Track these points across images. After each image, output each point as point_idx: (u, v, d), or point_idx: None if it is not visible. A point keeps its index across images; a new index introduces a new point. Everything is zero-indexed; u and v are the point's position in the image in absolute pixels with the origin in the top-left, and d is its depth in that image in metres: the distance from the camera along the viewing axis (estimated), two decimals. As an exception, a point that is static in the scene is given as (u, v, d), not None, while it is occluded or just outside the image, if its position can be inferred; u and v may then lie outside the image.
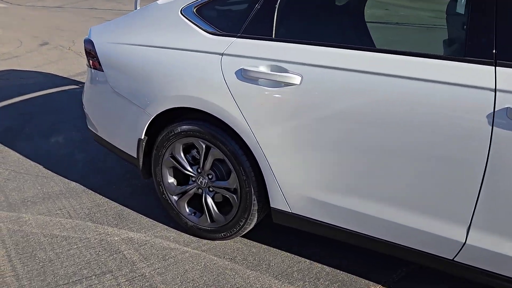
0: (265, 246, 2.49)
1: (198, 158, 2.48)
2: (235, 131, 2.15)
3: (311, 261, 2.37)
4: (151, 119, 2.43)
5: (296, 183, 2.07)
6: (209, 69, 2.17)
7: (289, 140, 2.01)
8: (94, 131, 2.94)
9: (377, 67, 1.78)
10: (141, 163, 2.61)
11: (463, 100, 1.61)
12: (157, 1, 2.55)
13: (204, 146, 2.34)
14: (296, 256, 2.41)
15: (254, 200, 2.26)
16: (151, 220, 2.76)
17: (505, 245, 1.67)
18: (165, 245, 2.50)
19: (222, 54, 2.14)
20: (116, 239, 2.55)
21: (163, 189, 2.58)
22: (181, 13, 2.35)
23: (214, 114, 2.18)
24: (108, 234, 2.59)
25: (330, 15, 2.30)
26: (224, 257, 2.40)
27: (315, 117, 1.92)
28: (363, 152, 1.86)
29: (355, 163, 1.90)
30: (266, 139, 2.07)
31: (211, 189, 2.44)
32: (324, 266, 2.33)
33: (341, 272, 2.28)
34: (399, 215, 1.86)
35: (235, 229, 2.38)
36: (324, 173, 1.98)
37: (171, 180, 2.57)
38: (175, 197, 2.57)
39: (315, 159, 1.98)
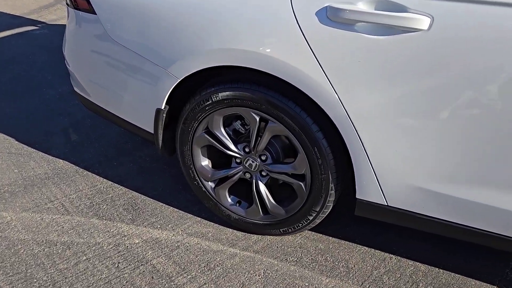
0: (333, 239, 1.95)
1: (244, 132, 1.83)
2: (311, 99, 1.51)
3: (399, 258, 1.86)
4: (176, 83, 1.73)
5: (402, 170, 1.49)
6: (274, 10, 1.46)
7: (400, 112, 1.39)
8: (83, 95, 2.19)
9: None
10: (161, 141, 1.94)
11: None
12: None
13: (258, 120, 1.68)
14: (377, 251, 1.89)
15: (331, 190, 1.67)
16: (175, 210, 2.14)
17: None
18: (205, 247, 1.91)
19: (292, -15, 1.43)
20: (137, 241, 1.94)
21: (195, 173, 1.94)
22: None
23: (280, 76, 1.51)
24: (125, 236, 1.97)
25: None
26: (286, 259, 1.85)
27: (446, 79, 1.30)
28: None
29: (498, 143, 1.32)
30: (362, 109, 1.44)
31: (264, 173, 1.83)
32: (417, 263, 1.83)
33: (441, 271, 1.79)
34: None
35: (300, 224, 1.82)
36: (450, 157, 1.40)
37: (205, 162, 1.92)
38: (212, 184, 1.95)
39: (439, 138, 1.38)
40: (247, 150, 1.80)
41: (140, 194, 2.25)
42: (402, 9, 1.29)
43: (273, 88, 1.60)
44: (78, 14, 1.95)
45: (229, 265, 1.82)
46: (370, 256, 1.86)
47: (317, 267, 1.81)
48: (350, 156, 1.55)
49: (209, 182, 1.95)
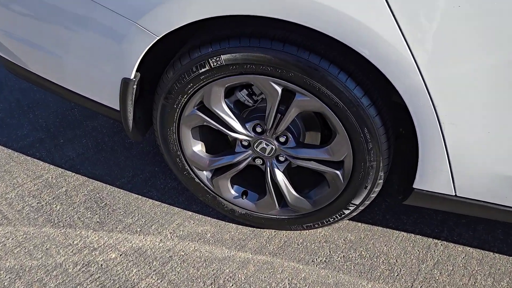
0: (362, 225, 1.58)
1: (252, 105, 1.33)
2: (362, 63, 1.03)
3: (444, 243, 1.53)
4: (153, 42, 1.15)
5: (486, 156, 1.09)
6: None
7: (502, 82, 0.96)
8: (11, 61, 1.53)
9: None
10: (131, 121, 1.39)
11: None
12: None
13: (280, 92, 1.18)
14: (417, 237, 1.55)
15: (379, 179, 1.26)
16: (156, 203, 1.63)
17: None
18: (206, 254, 1.47)
19: None
20: (114, 256, 1.45)
21: (184, 162, 1.44)
22: None
23: (326, 30, 1.00)
24: (95, 249, 1.46)
25: None
26: (312, 260, 1.46)
27: None
28: None
29: None
30: (449, 79, 0.99)
31: (281, 158, 1.37)
32: (467, 249, 1.52)
33: (496, 256, 1.50)
34: None
35: (330, 219, 1.41)
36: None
37: (198, 147, 1.41)
38: (207, 174, 1.46)
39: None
40: (258, 130, 1.31)
41: (104, 184, 1.72)
42: None
43: (308, 48, 1.09)
44: None
45: (243, 278, 1.41)
46: (411, 245, 1.53)
47: (352, 267, 1.45)
48: (417, 138, 1.12)
49: (205, 172, 1.46)
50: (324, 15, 0.98)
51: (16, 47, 1.48)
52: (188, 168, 1.45)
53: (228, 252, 1.49)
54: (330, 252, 1.50)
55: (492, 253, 1.51)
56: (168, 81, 1.25)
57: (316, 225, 1.45)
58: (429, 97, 1.02)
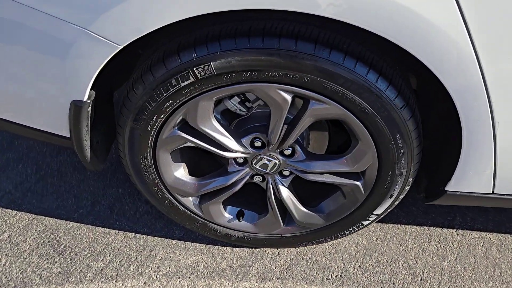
0: (384, 227, 1.40)
1: (245, 114, 1.05)
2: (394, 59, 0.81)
3: (460, 232, 1.40)
4: (114, 53, 0.83)
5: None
6: None
7: None
8: None
9: None
10: (88, 149, 1.07)
11: None
12: None
13: (290, 100, 0.92)
14: (431, 229, 1.41)
15: (407, 185, 1.07)
16: (129, 235, 1.35)
17: None
18: (204, 293, 1.23)
19: None
20: (90, 315, 1.17)
21: (164, 191, 1.15)
22: None
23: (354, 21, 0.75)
24: (64, 310, 1.18)
25: None
26: (327, 278, 1.27)
27: None
28: None
29: None
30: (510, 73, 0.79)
31: (286, 172, 1.13)
32: (484, 234, 1.40)
33: (513, 236, 1.41)
34: None
35: (345, 232, 1.22)
36: None
37: (181, 171, 1.13)
38: (193, 199, 1.19)
39: None
40: (257, 144, 1.05)
41: (59, 220, 1.39)
42: None
43: (328, 44, 0.83)
44: None
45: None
46: (427, 240, 1.38)
47: (372, 278, 1.28)
48: (463, 139, 0.92)
49: (191, 198, 1.19)
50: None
51: None
52: (170, 197, 1.17)
53: (228, 284, 1.25)
54: (344, 264, 1.32)
55: (509, 235, 1.41)
56: (137, 99, 0.94)
57: (329, 239, 1.26)
58: (486, 95, 0.82)
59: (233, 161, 1.11)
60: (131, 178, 1.15)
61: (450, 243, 1.38)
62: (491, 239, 1.40)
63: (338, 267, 1.31)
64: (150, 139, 1.01)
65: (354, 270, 1.30)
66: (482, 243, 1.39)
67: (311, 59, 0.83)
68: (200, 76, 0.87)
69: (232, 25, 0.84)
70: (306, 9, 0.76)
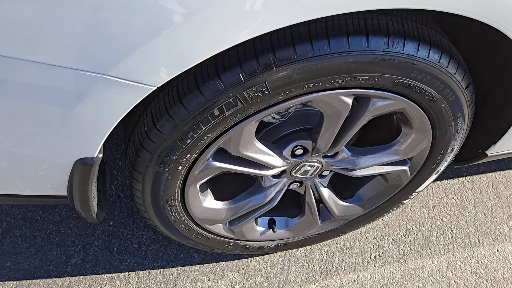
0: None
1: (279, 121, 0.89)
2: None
3: None
4: (144, 97, 0.61)
5: None
6: None
7: None
8: None
9: None
10: (95, 204, 0.84)
11: None
12: None
13: (350, 104, 0.77)
14: (470, 184, 1.40)
15: (452, 158, 1.00)
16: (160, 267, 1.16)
17: None
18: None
19: None
20: None
21: (191, 225, 0.96)
22: None
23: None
24: None
25: None
26: (367, 261, 1.22)
27: None
28: None
29: None
30: None
31: (325, 172, 1.00)
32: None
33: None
34: None
35: (383, 215, 1.15)
36: None
37: (209, 200, 0.95)
38: (223, 224, 1.02)
39: None
40: (298, 153, 0.90)
41: (50, 280, 1.14)
42: None
43: (399, 35, 0.68)
44: None
45: (311, 324, 1.11)
46: (444, 195, 1.37)
47: (409, 248, 1.25)
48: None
49: (221, 224, 1.02)
50: None
51: None
52: (198, 229, 0.99)
53: (275, 296, 1.15)
54: (378, 241, 1.27)
55: (510, 170, 1.46)
56: (164, 140, 0.73)
57: (366, 223, 1.19)
58: None
59: (265, 178, 0.96)
60: (150, 222, 0.95)
61: (465, 192, 1.39)
62: (498, 179, 1.43)
63: (373, 246, 1.26)
64: (180, 178, 0.82)
65: (389, 245, 1.26)
66: (491, 184, 1.42)
67: (385, 57, 0.69)
68: (251, 100, 0.69)
69: (286, 31, 0.65)
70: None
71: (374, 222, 1.25)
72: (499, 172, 1.45)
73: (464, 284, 1.21)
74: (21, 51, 0.55)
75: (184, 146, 0.74)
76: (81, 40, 0.54)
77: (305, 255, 1.23)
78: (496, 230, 1.31)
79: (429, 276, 1.21)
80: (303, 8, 0.58)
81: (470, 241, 1.28)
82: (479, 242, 1.28)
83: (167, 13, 0.54)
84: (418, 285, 1.20)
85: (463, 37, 0.87)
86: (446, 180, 1.41)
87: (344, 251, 1.24)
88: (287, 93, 0.70)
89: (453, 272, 1.23)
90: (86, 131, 0.65)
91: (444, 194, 1.38)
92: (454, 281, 1.21)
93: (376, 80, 0.72)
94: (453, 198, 1.37)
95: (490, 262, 1.25)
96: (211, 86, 0.67)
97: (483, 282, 1.21)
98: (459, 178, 1.42)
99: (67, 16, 0.53)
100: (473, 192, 1.39)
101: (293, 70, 0.66)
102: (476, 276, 1.22)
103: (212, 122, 0.71)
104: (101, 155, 0.71)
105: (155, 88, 0.60)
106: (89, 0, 0.53)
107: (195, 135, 0.73)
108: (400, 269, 1.22)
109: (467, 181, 1.42)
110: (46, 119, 0.63)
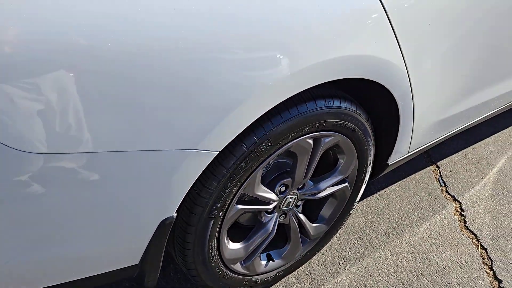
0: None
1: (268, 168, 1.31)
2: (380, 85, 1.24)
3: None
4: (211, 158, 0.99)
5: (432, 113, 1.52)
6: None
7: (447, 60, 1.38)
8: None
9: None
10: (160, 265, 1.11)
11: None
12: None
13: (312, 143, 1.23)
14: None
15: (368, 173, 1.52)
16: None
17: None
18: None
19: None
20: None
21: (223, 268, 1.27)
22: None
23: (365, 75, 1.14)
24: None
25: None
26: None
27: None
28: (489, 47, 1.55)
29: (481, 60, 1.57)
30: (421, 74, 1.32)
31: (299, 202, 1.41)
32: (390, 187, 1.99)
33: None
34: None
35: (342, 224, 1.58)
36: (457, 86, 1.54)
37: (230, 242, 1.28)
38: (240, 264, 1.34)
39: (466, 70, 1.49)
40: (283, 189, 1.31)
41: None
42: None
43: (335, 97, 1.19)
44: None
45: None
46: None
47: (364, 249, 1.69)
48: (400, 123, 1.42)
49: (238, 263, 1.34)
50: (368, 63, 1.12)
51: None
52: (226, 270, 1.30)
53: (286, 316, 1.45)
54: (340, 252, 1.68)
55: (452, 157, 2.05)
56: (211, 193, 1.08)
57: (331, 239, 1.60)
58: (411, 97, 1.34)
59: (264, 212, 1.34)
60: (193, 272, 1.23)
61: (379, 202, 1.92)
62: (395, 187, 2.00)
63: (339, 256, 1.67)
64: (220, 223, 1.16)
65: (349, 252, 1.69)
66: (393, 192, 1.98)
67: (333, 109, 1.18)
68: (262, 151, 1.10)
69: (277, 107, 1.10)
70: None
71: (332, 239, 1.68)
72: (395, 183, 2.03)
73: (406, 261, 1.67)
74: (137, 144, 0.89)
75: (224, 194, 1.10)
76: (179, 129, 0.91)
77: (295, 278, 1.58)
78: (409, 220, 1.84)
79: (382, 264, 1.66)
80: (283, 95, 1.04)
81: (397, 233, 1.78)
82: (402, 231, 1.79)
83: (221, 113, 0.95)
84: (378, 272, 1.63)
85: (365, 88, 1.41)
86: (365, 198, 1.93)
87: (321, 266, 1.63)
88: (280, 143, 1.13)
89: (396, 256, 1.69)
90: (172, 192, 0.98)
91: (368, 208, 1.89)
92: (399, 261, 1.67)
93: (324, 124, 1.20)
94: (374, 208, 1.89)
95: (414, 241, 1.75)
96: (238, 148, 1.07)
97: (416, 256, 1.69)
98: (372, 195, 1.96)
99: (176, 115, 0.89)
100: (385, 200, 1.93)
101: (283, 127, 1.11)
102: (410, 253, 1.70)
103: (241, 172, 1.09)
104: (176, 214, 1.03)
105: (218, 152, 0.98)
106: (195, 103, 0.90)
107: (231, 184, 1.10)
108: (363, 265, 1.64)
109: (378, 195, 1.96)
110: (141, 186, 0.94)
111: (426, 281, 1.61)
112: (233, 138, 0.99)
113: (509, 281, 1.63)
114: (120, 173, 0.91)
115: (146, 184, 0.94)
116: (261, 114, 1.00)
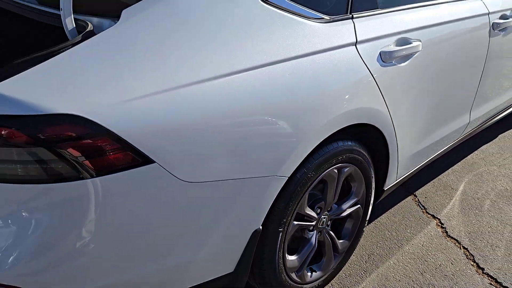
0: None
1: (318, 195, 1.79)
2: (376, 128, 1.79)
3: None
4: (284, 182, 1.46)
5: (409, 147, 2.08)
6: (352, 66, 1.58)
7: (414, 107, 1.97)
8: None
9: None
10: (249, 272, 1.52)
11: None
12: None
13: (337, 173, 1.73)
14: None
15: (372, 196, 2.02)
16: None
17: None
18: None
19: (356, 43, 1.61)
20: None
21: (286, 277, 1.69)
22: (264, 1, 1.39)
23: (368, 121, 1.70)
24: None
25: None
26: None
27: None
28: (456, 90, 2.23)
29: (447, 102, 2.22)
30: (400, 120, 1.89)
31: (329, 222, 1.87)
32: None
33: (391, 208, 2.54)
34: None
35: (358, 240, 2.04)
36: (428, 122, 2.14)
37: (288, 255, 1.70)
38: (295, 273, 1.75)
39: (428, 114, 2.09)
40: (318, 211, 1.78)
41: None
42: (408, 41, 1.83)
43: (347, 139, 1.72)
44: (118, 179, 1.07)
45: (360, 317, 1.82)
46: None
47: (377, 260, 2.13)
48: (389, 154, 1.96)
49: (293, 272, 1.75)
50: (368, 112, 1.68)
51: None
52: (288, 279, 1.70)
53: (332, 316, 1.83)
54: (360, 265, 2.11)
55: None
56: (280, 210, 1.52)
57: (351, 255, 2.04)
58: (394, 130, 1.90)
59: (307, 230, 1.78)
60: (266, 279, 1.62)
61: (379, 226, 2.40)
62: (387, 214, 2.50)
63: (359, 268, 2.09)
64: (284, 235, 1.59)
65: (366, 264, 2.12)
66: (387, 217, 2.47)
67: (351, 146, 1.70)
68: (309, 177, 1.58)
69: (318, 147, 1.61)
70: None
71: (350, 257, 2.12)
72: (387, 211, 2.53)
73: (410, 265, 2.13)
74: (241, 173, 1.34)
75: (287, 212, 1.55)
76: (268, 162, 1.38)
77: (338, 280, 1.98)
78: (405, 236, 2.32)
79: (393, 269, 2.10)
80: (321, 136, 1.56)
81: (398, 246, 2.25)
82: (402, 244, 2.26)
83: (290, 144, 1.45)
84: (392, 275, 2.06)
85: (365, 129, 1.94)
86: (368, 225, 2.40)
87: (348, 277, 2.04)
88: (319, 172, 1.62)
89: (402, 262, 2.14)
90: (262, 208, 1.42)
91: (371, 232, 2.36)
92: (405, 265, 2.12)
93: (343, 158, 1.71)
94: (376, 231, 2.36)
95: (413, 250, 2.22)
96: (296, 176, 1.55)
97: (416, 260, 2.16)
98: (372, 222, 2.44)
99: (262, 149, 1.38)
100: (382, 225, 2.41)
101: (321, 160, 1.60)
102: (412, 259, 2.16)
103: (297, 195, 1.56)
104: (261, 227, 1.46)
105: (288, 176, 1.45)
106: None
107: (292, 204, 1.55)
108: (379, 272, 2.07)
109: (377, 222, 2.45)
110: (245, 206, 1.38)
111: (429, 276, 2.06)
112: (295, 168, 1.48)
113: (489, 268, 2.12)
114: (229, 195, 1.35)
115: (245, 202, 1.39)
116: (311, 150, 1.51)
